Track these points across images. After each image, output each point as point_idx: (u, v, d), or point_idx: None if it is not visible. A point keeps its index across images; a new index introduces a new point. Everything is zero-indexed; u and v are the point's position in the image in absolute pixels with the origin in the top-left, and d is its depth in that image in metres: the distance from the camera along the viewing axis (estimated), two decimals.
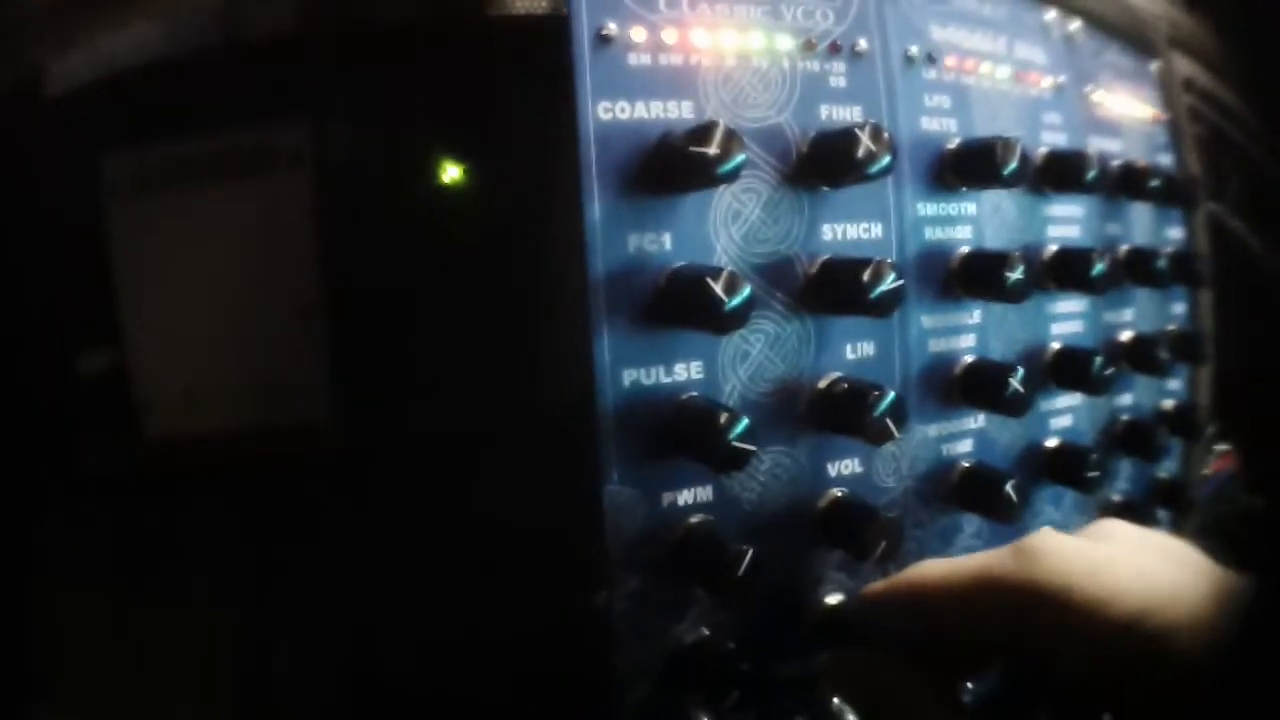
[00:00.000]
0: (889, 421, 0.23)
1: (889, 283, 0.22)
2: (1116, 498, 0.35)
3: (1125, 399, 0.34)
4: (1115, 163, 0.32)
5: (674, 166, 0.22)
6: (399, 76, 0.27)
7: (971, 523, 0.27)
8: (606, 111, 0.22)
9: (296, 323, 0.32)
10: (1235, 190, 0.79)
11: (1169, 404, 0.37)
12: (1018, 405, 0.26)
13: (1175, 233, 0.38)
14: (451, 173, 0.26)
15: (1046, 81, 0.30)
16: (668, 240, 0.22)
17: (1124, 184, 0.32)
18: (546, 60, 0.22)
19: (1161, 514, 0.39)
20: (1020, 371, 0.25)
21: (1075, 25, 0.31)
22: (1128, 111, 0.35)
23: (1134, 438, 0.34)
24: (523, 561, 0.25)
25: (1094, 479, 0.29)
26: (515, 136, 0.24)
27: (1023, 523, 0.29)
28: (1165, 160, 0.37)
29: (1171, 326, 0.37)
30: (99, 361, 0.34)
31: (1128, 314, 0.33)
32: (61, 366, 0.34)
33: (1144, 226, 0.35)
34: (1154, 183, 0.33)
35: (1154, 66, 0.37)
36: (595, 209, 0.21)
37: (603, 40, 0.22)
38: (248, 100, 0.30)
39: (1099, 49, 0.33)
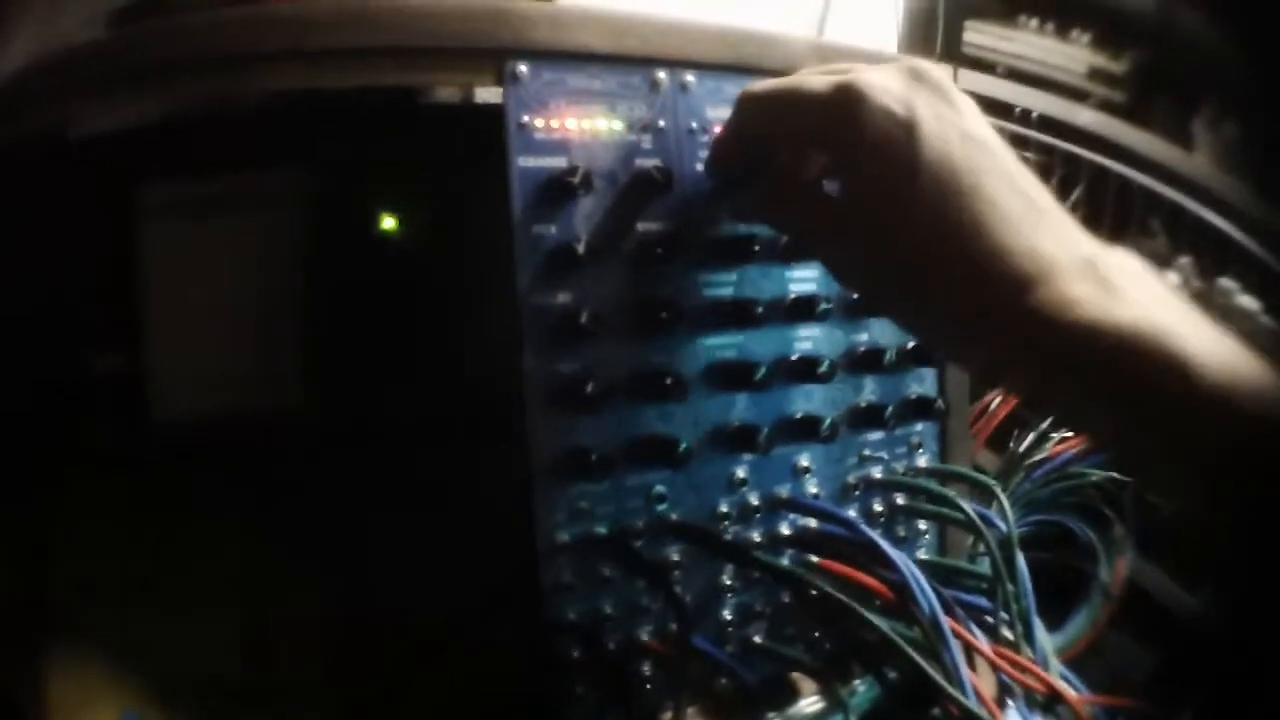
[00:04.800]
0: None
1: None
2: (863, 404, 0.54)
3: (862, 336, 0.55)
4: None
5: (558, 187, 0.43)
6: (382, 144, 0.44)
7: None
8: (525, 161, 0.43)
9: (283, 326, 0.45)
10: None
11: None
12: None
13: None
14: (404, 209, 0.45)
15: None
16: (553, 228, 0.43)
17: None
18: (492, 133, 0.42)
19: (921, 425, 0.58)
20: None
21: None
22: None
23: (869, 359, 0.54)
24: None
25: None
26: (466, 179, 0.44)
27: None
28: None
29: None
30: (123, 355, 0.43)
31: None
32: (90, 360, 0.43)
33: None
34: None
35: None
36: (517, 210, 0.42)
37: (521, 126, 0.43)
38: (258, 157, 0.44)
39: None
